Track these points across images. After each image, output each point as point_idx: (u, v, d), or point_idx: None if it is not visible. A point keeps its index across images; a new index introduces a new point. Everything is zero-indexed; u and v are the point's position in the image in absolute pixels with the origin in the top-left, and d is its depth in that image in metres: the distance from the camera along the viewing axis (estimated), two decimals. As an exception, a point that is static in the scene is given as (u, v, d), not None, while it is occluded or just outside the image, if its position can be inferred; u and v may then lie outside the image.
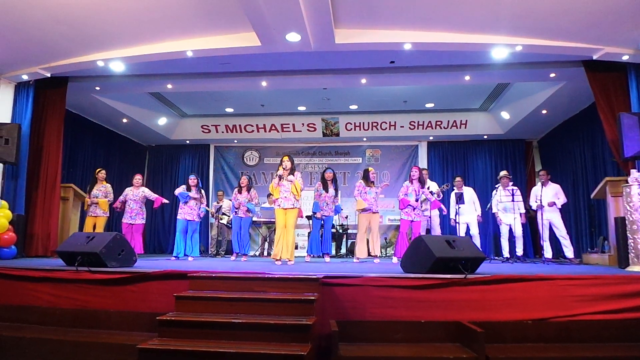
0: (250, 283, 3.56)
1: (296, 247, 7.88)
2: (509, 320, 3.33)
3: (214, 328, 3.03)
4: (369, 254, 6.63)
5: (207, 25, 5.72)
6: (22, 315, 3.75)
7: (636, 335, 3.22)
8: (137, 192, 7.20)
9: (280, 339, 2.92)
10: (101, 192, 7.11)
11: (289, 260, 5.59)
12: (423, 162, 10.59)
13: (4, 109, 6.85)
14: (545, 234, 6.80)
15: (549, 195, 6.86)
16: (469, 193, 7.67)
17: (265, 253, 9.56)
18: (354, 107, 9.71)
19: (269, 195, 8.07)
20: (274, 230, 8.57)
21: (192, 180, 7.21)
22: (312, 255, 6.95)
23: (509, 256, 7.31)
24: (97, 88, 7.63)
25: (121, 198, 7.18)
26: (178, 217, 7.13)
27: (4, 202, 6.07)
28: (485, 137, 10.21)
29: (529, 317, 3.35)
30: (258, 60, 6.46)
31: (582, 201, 8.18)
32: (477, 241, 7.46)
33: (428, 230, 7.33)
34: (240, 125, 10.49)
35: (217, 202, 9.66)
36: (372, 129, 10.26)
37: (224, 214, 9.29)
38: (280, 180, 5.67)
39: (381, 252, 8.86)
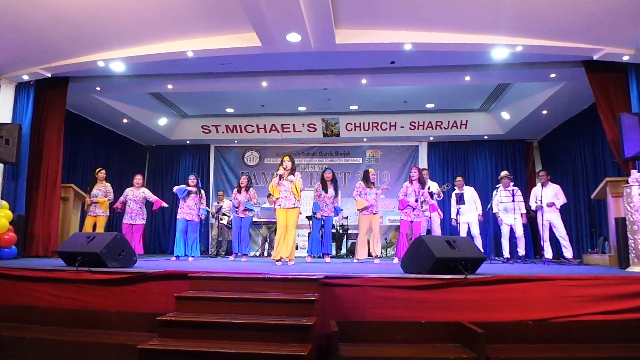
0: (251, 283, 3.56)
1: (296, 248, 7.88)
2: (509, 321, 3.33)
3: (214, 328, 3.03)
4: (369, 255, 6.63)
5: (207, 26, 5.72)
6: (22, 316, 3.75)
7: (637, 335, 3.22)
8: (138, 193, 7.20)
9: (280, 339, 2.92)
10: (101, 191, 7.11)
11: (290, 260, 5.59)
12: (423, 162, 10.59)
13: (5, 109, 6.85)
14: (546, 235, 6.80)
15: (548, 196, 6.86)
16: (469, 193, 7.67)
17: (266, 253, 9.56)
18: (354, 107, 9.72)
19: (269, 195, 8.07)
20: (275, 230, 8.57)
21: (192, 180, 7.21)
22: (312, 255, 6.95)
23: (509, 256, 7.31)
24: (98, 88, 7.64)
25: (121, 198, 7.18)
26: (177, 217, 7.14)
27: (4, 203, 6.07)
28: (486, 137, 10.21)
29: (530, 318, 3.35)
30: (258, 60, 6.46)
31: (582, 201, 8.17)
32: (478, 242, 7.46)
33: (428, 231, 7.33)
34: (240, 126, 10.49)
35: (218, 203, 9.65)
36: (372, 130, 10.26)
37: (224, 214, 9.29)
38: (280, 179, 5.67)
39: (381, 252, 8.86)
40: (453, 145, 10.61)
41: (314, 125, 10.34)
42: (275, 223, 7.91)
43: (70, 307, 3.81)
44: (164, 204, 7.32)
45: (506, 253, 7.37)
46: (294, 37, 5.57)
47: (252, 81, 7.37)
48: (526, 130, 9.51)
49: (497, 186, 7.48)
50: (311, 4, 4.88)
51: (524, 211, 7.32)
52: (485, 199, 8.09)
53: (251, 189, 7.35)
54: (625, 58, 5.77)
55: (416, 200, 6.44)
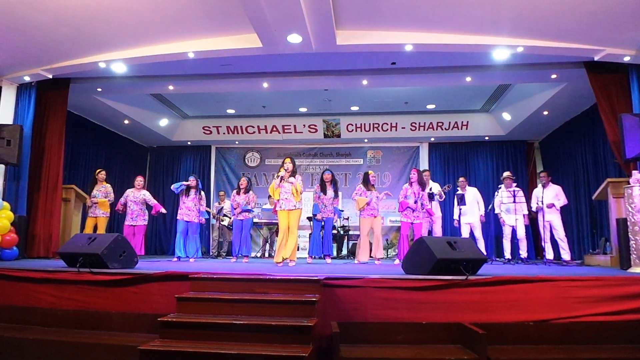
0: (252, 284, 3.56)
1: (297, 249, 7.88)
2: (510, 322, 3.32)
3: (216, 329, 3.03)
4: (371, 257, 6.62)
5: (208, 27, 5.73)
6: (23, 317, 3.74)
7: (638, 336, 3.21)
8: (138, 195, 7.21)
9: (281, 340, 2.92)
10: (101, 192, 7.12)
11: (291, 261, 5.59)
12: (424, 163, 10.59)
13: (6, 110, 6.87)
14: (547, 236, 6.79)
15: (549, 197, 6.85)
16: (472, 193, 7.65)
17: (267, 254, 9.56)
18: (355, 108, 9.72)
19: (270, 196, 8.08)
20: (275, 231, 8.58)
21: (192, 181, 7.21)
22: (313, 256, 6.95)
23: (510, 257, 7.30)
24: (99, 89, 7.65)
25: (122, 200, 7.19)
26: (177, 217, 7.14)
27: (5, 204, 6.08)
28: (487, 138, 10.20)
29: (531, 319, 3.34)
30: (259, 61, 6.46)
31: (583, 202, 8.17)
32: (481, 244, 7.44)
33: (429, 232, 7.32)
34: (241, 127, 10.50)
35: (219, 203, 9.66)
36: (373, 130, 10.26)
37: (225, 215, 9.29)
38: (281, 181, 5.67)
39: (384, 253, 8.85)
40: (454, 146, 10.60)
41: (315, 126, 10.35)
42: (276, 224, 7.93)
43: (71, 308, 3.81)
44: (162, 210, 7.33)
45: (507, 254, 7.36)
46: (294, 38, 5.58)
47: (253, 82, 7.37)
48: (527, 131, 9.51)
49: (499, 187, 7.48)
50: (312, 5, 4.89)
51: (526, 212, 7.30)
52: (486, 200, 8.09)
53: (251, 192, 7.33)
54: (626, 59, 5.77)
55: (415, 202, 6.43)
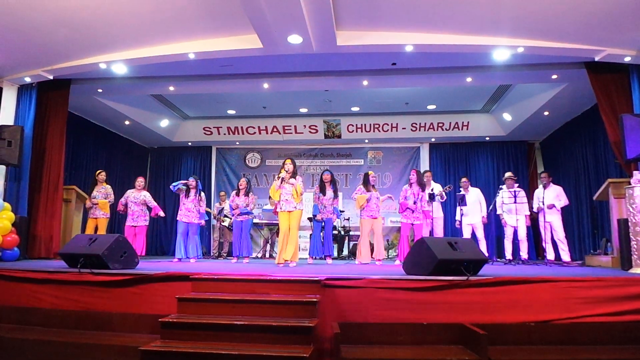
0: (253, 285, 3.56)
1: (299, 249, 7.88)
2: (511, 322, 3.32)
3: (216, 330, 3.04)
4: (372, 258, 6.62)
5: (209, 28, 5.73)
6: (24, 317, 3.75)
7: (639, 337, 3.21)
8: (139, 195, 7.22)
9: (282, 340, 2.93)
10: (101, 193, 7.13)
11: (292, 262, 5.59)
12: (425, 164, 10.59)
13: (7, 111, 6.88)
14: (547, 236, 6.79)
15: (550, 197, 6.85)
16: (475, 194, 7.63)
17: (267, 255, 9.57)
18: (355, 108, 9.72)
19: (271, 197, 8.08)
20: (276, 232, 8.58)
21: (191, 182, 7.21)
22: (314, 257, 6.94)
23: (511, 258, 7.29)
24: (100, 90, 7.65)
25: (122, 200, 7.20)
26: (177, 218, 7.14)
27: (6, 204, 6.09)
28: (487, 138, 10.20)
29: (532, 319, 3.34)
30: (260, 62, 6.46)
31: (584, 203, 8.16)
32: (482, 245, 7.43)
33: (431, 233, 7.31)
34: (242, 127, 10.50)
35: (220, 204, 9.66)
36: (373, 131, 10.26)
37: (225, 216, 9.29)
38: (282, 182, 5.67)
39: (384, 253, 8.85)
40: (454, 147, 10.60)
41: (316, 126, 10.35)
42: (277, 224, 7.93)
43: (72, 308, 3.81)
44: (161, 214, 7.35)
45: (508, 254, 7.35)
46: (295, 39, 5.58)
47: (253, 83, 7.38)
48: (528, 131, 9.51)
49: (501, 187, 7.47)
50: (312, 6, 4.89)
51: (528, 213, 7.29)
52: (487, 200, 8.08)
53: (251, 193, 7.32)
54: (627, 59, 5.76)
55: (414, 203, 6.43)
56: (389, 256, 9.28)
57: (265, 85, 7.46)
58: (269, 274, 3.72)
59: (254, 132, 10.56)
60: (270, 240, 9.72)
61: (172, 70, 6.97)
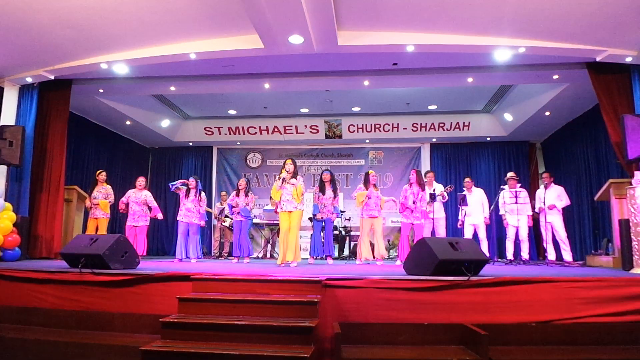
0: (253, 285, 3.56)
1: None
2: (512, 323, 3.31)
3: (217, 330, 3.04)
4: (373, 257, 6.62)
5: (210, 28, 5.74)
6: (25, 317, 3.76)
7: (641, 337, 3.21)
8: (140, 195, 7.22)
9: (283, 341, 2.93)
10: (101, 193, 7.13)
11: (292, 262, 5.59)
12: (426, 164, 10.59)
13: (8, 111, 6.89)
14: (548, 237, 6.77)
15: (551, 198, 6.84)
16: (478, 195, 7.61)
17: (268, 255, 9.57)
18: (356, 109, 9.72)
19: (271, 197, 8.08)
20: (277, 232, 8.57)
21: (191, 182, 7.20)
22: (314, 257, 6.94)
23: (512, 258, 7.28)
24: (101, 90, 7.66)
25: (124, 199, 7.20)
26: (177, 218, 7.15)
27: (8, 205, 6.10)
28: (488, 139, 10.19)
29: (533, 320, 3.33)
30: (261, 62, 6.47)
31: (585, 203, 8.15)
32: (484, 245, 7.42)
33: (432, 233, 7.30)
34: (243, 127, 10.51)
35: (220, 204, 9.66)
36: (374, 131, 10.26)
37: (226, 216, 9.29)
38: (283, 182, 5.67)
39: (386, 253, 8.85)
40: (456, 147, 10.59)
41: (317, 127, 10.35)
42: (278, 224, 7.93)
43: (73, 308, 3.82)
44: (159, 216, 7.36)
45: (510, 255, 7.33)
46: (296, 39, 5.58)
47: (254, 83, 7.38)
48: (529, 131, 9.49)
49: (502, 188, 7.46)
50: (313, 6, 4.89)
51: (530, 213, 7.27)
52: (489, 201, 8.06)
53: (250, 193, 7.32)
54: (629, 59, 5.76)
55: (414, 202, 6.42)
56: (390, 256, 9.27)
57: (266, 86, 7.46)
58: (270, 274, 3.73)
59: (255, 132, 10.56)
60: (271, 241, 9.73)
61: (173, 71, 6.97)
